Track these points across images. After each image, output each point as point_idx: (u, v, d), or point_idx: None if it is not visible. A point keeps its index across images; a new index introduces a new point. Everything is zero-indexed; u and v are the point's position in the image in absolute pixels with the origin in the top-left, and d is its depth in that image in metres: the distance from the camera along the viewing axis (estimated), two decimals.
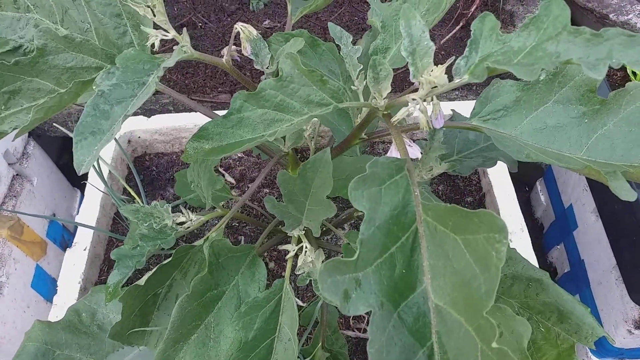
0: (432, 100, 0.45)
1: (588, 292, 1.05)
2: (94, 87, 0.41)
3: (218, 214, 0.66)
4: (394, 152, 0.48)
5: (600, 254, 1.00)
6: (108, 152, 0.95)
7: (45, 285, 1.12)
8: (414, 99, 0.43)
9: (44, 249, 1.13)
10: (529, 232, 1.29)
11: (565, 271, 1.16)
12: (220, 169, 1.02)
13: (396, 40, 0.55)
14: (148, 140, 1.02)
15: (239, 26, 0.50)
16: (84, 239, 0.84)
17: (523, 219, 0.84)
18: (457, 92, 1.16)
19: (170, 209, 0.65)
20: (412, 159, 0.51)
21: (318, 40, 0.56)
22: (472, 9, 1.38)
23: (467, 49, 0.41)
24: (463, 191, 0.97)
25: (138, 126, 1.00)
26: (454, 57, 0.40)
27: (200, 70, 1.32)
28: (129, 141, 1.01)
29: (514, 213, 0.85)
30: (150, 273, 0.54)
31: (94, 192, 0.90)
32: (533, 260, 0.79)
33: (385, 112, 0.47)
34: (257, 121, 0.44)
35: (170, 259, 0.54)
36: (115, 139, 0.89)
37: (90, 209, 0.88)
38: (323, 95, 0.44)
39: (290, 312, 0.54)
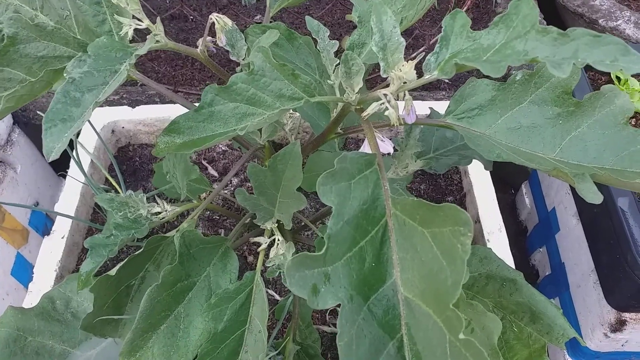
0: (404, 95, 0.45)
1: (567, 295, 1.06)
2: (64, 75, 0.41)
3: (194, 205, 0.66)
4: (366, 148, 0.48)
5: (580, 257, 1.00)
6: (91, 141, 0.95)
7: (26, 273, 1.11)
8: (385, 94, 0.43)
9: (26, 237, 1.12)
10: (513, 234, 1.30)
11: (547, 274, 1.17)
12: (204, 162, 1.02)
13: (372, 36, 0.55)
14: (132, 130, 1.02)
15: (213, 16, 0.50)
16: (62, 227, 0.84)
17: (502, 220, 0.85)
18: (443, 93, 1.16)
19: (145, 198, 0.65)
20: (385, 154, 0.51)
21: (295, 33, 0.56)
22: (464, 10, 1.38)
23: (437, 46, 0.42)
24: (444, 191, 0.97)
25: (122, 116, 1.00)
26: (424, 53, 0.41)
27: (189, 62, 1.31)
28: (113, 131, 1.00)
29: (493, 213, 0.86)
30: (121, 264, 0.54)
31: (75, 181, 0.90)
32: (509, 261, 0.79)
33: (357, 107, 0.47)
34: (228, 115, 0.44)
35: (141, 250, 0.54)
36: (95, 130, 0.89)
37: (70, 197, 0.88)
38: (295, 90, 0.44)
39: (260, 304, 0.54)
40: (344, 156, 0.39)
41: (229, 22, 0.51)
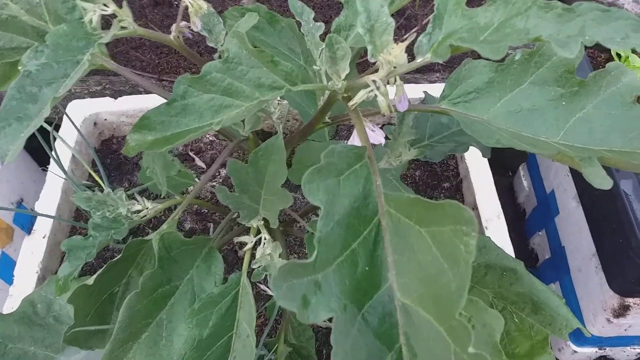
0: (395, 81, 0.41)
1: (568, 279, 1.03)
2: (19, 68, 0.37)
3: (177, 201, 0.63)
4: (355, 139, 0.44)
5: (580, 241, 0.97)
6: (72, 135, 0.91)
7: (11, 273, 1.08)
8: (374, 80, 0.39)
9: (10, 236, 1.09)
10: (511, 218, 1.27)
11: (546, 258, 1.14)
12: (191, 153, 0.98)
13: (358, 16, 0.51)
14: (115, 122, 0.98)
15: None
16: (43, 227, 0.81)
17: (500, 206, 0.82)
18: (437, 75, 1.13)
19: (124, 196, 0.61)
20: (375, 145, 0.48)
21: (277, 15, 0.52)
22: None
23: (429, 25, 0.38)
24: (440, 177, 0.94)
25: (104, 108, 0.96)
26: (415, 34, 0.37)
27: (174, 50, 1.27)
28: (95, 124, 0.96)
29: (491, 199, 0.82)
30: (100, 272, 0.50)
31: (56, 178, 0.86)
32: (509, 248, 0.76)
33: (345, 95, 0.43)
34: (203, 108, 0.40)
35: (119, 255, 0.50)
36: (74, 124, 0.85)
37: (50, 194, 0.84)
38: (275, 78, 0.40)
39: (248, 308, 0.51)
40: (331, 150, 0.35)
41: (204, 5, 0.47)
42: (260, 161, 0.45)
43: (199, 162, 0.98)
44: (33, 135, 0.91)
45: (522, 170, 1.27)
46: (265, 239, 0.50)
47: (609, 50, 0.99)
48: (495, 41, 0.34)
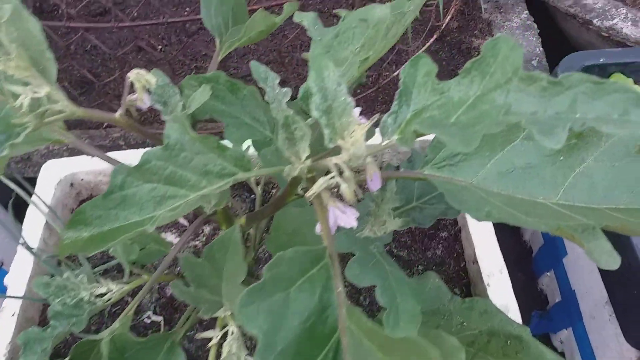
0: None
1: (581, 326, 0.96)
2: None
3: (144, 280, 0.57)
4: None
5: (592, 285, 0.91)
6: (48, 196, 0.86)
7: None
8: (335, 164, 0.34)
9: None
10: (517, 256, 1.21)
11: (557, 301, 1.07)
12: None
13: (312, 97, 0.46)
14: (92, 182, 0.93)
15: (133, 75, 0.42)
16: (13, 303, 0.75)
17: (502, 258, 0.75)
18: None
19: (86, 278, 0.56)
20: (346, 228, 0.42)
21: (238, 83, 0.47)
22: (447, 20, 1.30)
23: (395, 102, 0.33)
24: (437, 225, 0.88)
25: (81, 167, 0.91)
26: (378, 114, 0.32)
27: None
28: (72, 184, 0.92)
29: (493, 251, 0.76)
30: None
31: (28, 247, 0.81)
32: (514, 309, 0.70)
33: (309, 176, 0.38)
34: (145, 199, 0.35)
35: (68, 358, 0.45)
36: (40, 197, 0.80)
37: (21, 267, 0.78)
38: (224, 164, 0.35)
39: None
40: (278, 258, 0.30)
41: (153, 79, 0.42)
42: (216, 255, 0.40)
43: (181, 220, 0.92)
44: (8, 193, 0.85)
45: None
46: (232, 333, 0.44)
47: None
48: (469, 125, 0.29)
